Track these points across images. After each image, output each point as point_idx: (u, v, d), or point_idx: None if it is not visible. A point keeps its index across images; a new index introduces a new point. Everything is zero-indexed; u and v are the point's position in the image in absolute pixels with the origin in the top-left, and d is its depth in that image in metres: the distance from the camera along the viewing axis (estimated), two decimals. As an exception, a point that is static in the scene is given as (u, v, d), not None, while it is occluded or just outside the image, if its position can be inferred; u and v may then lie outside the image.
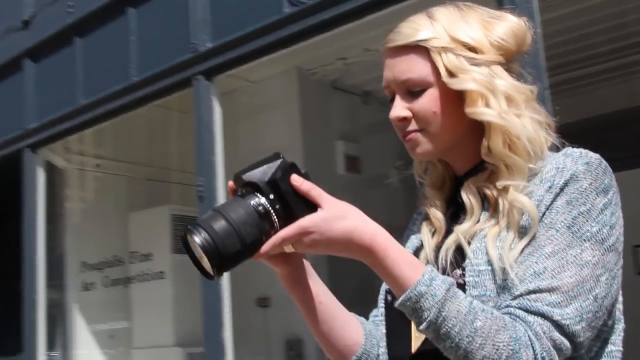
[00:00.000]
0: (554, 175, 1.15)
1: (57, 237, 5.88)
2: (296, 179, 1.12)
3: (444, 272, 1.19)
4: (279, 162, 1.13)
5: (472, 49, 1.20)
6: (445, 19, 1.23)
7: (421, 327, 1.08)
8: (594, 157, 1.18)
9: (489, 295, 1.12)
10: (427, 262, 1.24)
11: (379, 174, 5.94)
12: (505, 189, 1.18)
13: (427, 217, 1.32)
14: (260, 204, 1.11)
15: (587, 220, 1.12)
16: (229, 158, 5.87)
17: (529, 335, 1.05)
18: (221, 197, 4.21)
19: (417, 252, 1.30)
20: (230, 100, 6.00)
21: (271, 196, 1.11)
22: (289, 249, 1.14)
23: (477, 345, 1.04)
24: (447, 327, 1.05)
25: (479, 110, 1.19)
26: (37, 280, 5.44)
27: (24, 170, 5.71)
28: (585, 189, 1.13)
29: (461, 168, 1.28)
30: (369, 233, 1.11)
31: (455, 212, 1.27)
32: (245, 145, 6.21)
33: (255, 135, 6.30)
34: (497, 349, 1.04)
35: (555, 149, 1.24)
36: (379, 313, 1.35)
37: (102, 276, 5.27)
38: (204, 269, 1.11)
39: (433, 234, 1.29)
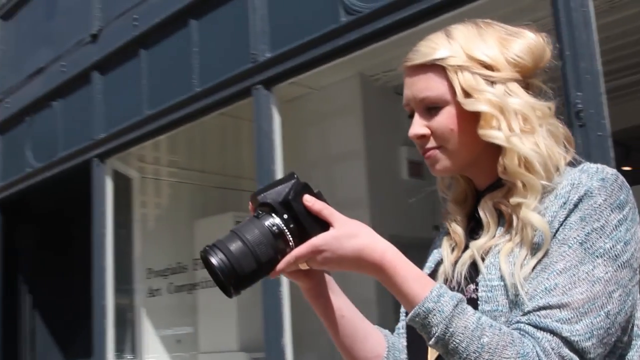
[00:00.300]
0: (569, 191, 1.15)
1: (125, 244, 6.04)
2: (308, 199, 1.16)
3: (458, 287, 1.21)
4: (292, 182, 1.18)
5: (488, 66, 1.21)
6: (463, 38, 1.24)
7: (430, 343, 1.09)
8: (610, 172, 1.17)
9: (501, 311, 1.13)
10: (445, 277, 1.26)
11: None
12: (518, 206, 1.18)
13: (448, 232, 1.33)
14: (274, 224, 1.15)
15: (601, 237, 1.11)
16: (296, 164, 5.96)
17: (536, 351, 1.05)
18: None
19: (438, 266, 1.32)
20: (294, 107, 6.08)
21: (285, 216, 1.16)
22: (303, 266, 1.18)
23: None
24: (454, 342, 1.07)
25: (489, 133, 1.21)
26: (105, 286, 5.59)
27: (92, 179, 5.88)
28: (599, 205, 1.13)
29: (482, 183, 1.29)
30: (378, 251, 1.14)
31: (474, 227, 1.28)
32: (312, 151, 6.29)
33: (320, 141, 6.36)
34: None
35: (576, 163, 1.24)
36: (400, 325, 1.37)
37: (167, 282, 5.39)
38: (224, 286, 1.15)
39: (453, 249, 1.30)
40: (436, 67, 1.23)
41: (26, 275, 7.30)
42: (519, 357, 1.05)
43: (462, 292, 1.20)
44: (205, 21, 4.97)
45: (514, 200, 1.19)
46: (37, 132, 6.87)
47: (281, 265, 1.15)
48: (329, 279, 1.30)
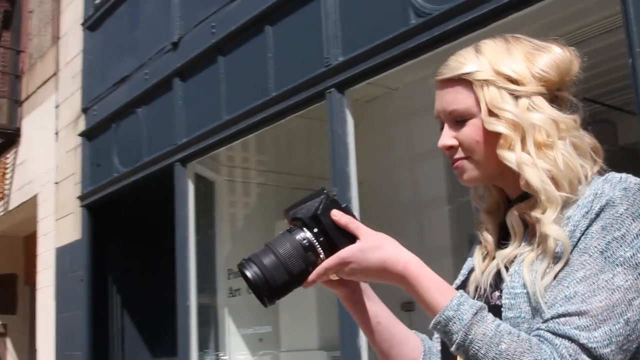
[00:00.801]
0: (592, 201, 1.16)
1: (208, 246, 6.20)
2: (336, 214, 1.23)
3: (484, 294, 1.25)
4: (321, 198, 1.25)
5: (514, 81, 1.24)
6: (491, 53, 1.28)
7: (452, 349, 1.14)
8: (633, 182, 1.18)
9: (524, 317, 1.16)
10: (476, 285, 1.29)
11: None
12: (538, 219, 1.21)
13: (480, 241, 1.36)
14: (305, 238, 1.23)
15: (621, 246, 1.12)
16: (378, 163, 6.00)
17: (554, 358, 1.07)
18: (355, 206, 4.32)
19: (470, 274, 1.35)
20: (375, 107, 6.13)
21: (315, 230, 1.23)
22: (333, 276, 1.25)
23: None
24: (474, 349, 1.11)
25: (503, 154, 1.24)
26: (189, 287, 5.77)
27: (175, 183, 6.07)
28: (620, 214, 1.14)
29: (513, 192, 1.31)
30: (401, 262, 1.20)
31: (505, 236, 1.30)
32: (394, 150, 6.31)
33: (402, 140, 6.38)
34: None
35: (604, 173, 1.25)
36: None
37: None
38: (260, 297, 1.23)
39: (485, 257, 1.33)
40: (464, 82, 1.28)
41: (115, 277, 7.56)
42: None
43: (487, 299, 1.24)
44: (280, 27, 5.07)
45: (534, 213, 1.22)
46: (122, 138, 7.13)
47: (312, 276, 1.23)
48: (365, 287, 1.36)
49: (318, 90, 4.58)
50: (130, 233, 7.28)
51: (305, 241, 1.23)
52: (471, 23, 3.66)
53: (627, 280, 1.10)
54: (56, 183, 8.55)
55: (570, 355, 1.07)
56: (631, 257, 1.11)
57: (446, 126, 1.31)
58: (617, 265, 1.11)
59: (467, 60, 1.29)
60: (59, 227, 8.37)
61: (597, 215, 1.15)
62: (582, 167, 1.22)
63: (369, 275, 1.23)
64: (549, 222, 1.18)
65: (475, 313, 1.13)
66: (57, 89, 8.82)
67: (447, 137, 1.31)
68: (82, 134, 7.86)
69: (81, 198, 7.72)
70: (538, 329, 1.13)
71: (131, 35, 7.13)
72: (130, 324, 7.60)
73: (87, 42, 8.01)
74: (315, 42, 4.65)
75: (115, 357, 7.47)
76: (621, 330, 1.08)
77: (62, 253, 8.21)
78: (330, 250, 1.23)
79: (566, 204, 1.20)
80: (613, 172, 1.22)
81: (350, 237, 1.23)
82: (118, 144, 7.18)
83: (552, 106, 1.25)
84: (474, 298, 1.26)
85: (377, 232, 1.24)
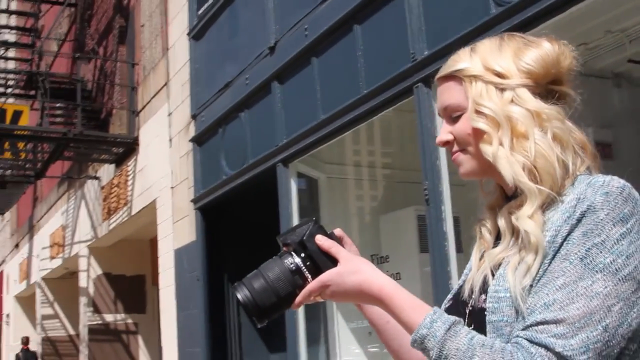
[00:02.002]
0: (574, 206, 1.17)
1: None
2: (320, 239, 1.31)
3: (476, 297, 1.28)
4: (309, 225, 1.34)
5: (500, 75, 1.28)
6: (484, 51, 1.32)
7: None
8: (615, 185, 1.17)
9: (507, 321, 1.18)
10: (472, 285, 1.31)
11: (634, 160, 5.66)
12: (517, 213, 1.22)
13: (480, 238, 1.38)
14: (292, 262, 1.31)
15: (601, 252, 1.12)
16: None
17: None
18: (446, 200, 4.34)
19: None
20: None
21: (302, 255, 1.32)
22: (318, 299, 1.33)
23: None
24: None
25: (482, 147, 1.28)
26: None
27: (278, 183, 6.25)
28: (601, 219, 1.14)
29: (508, 190, 1.32)
30: (376, 285, 1.27)
31: (499, 235, 1.31)
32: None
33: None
34: None
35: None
36: None
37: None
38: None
39: (482, 256, 1.34)
40: (456, 78, 1.33)
41: (230, 275, 7.83)
42: None
43: (476, 301, 1.27)
44: (367, 25, 5.14)
45: (508, 206, 1.25)
46: (228, 142, 7.40)
47: (299, 299, 1.31)
48: None
49: (406, 85, 4.63)
50: (241, 232, 7.53)
51: (292, 265, 1.31)
52: (550, 9, 3.63)
53: (606, 287, 1.11)
54: (172, 188, 8.95)
55: None
56: (611, 263, 1.12)
57: (444, 122, 1.37)
58: (596, 272, 1.11)
59: (461, 58, 1.34)
60: (176, 229, 8.76)
61: (579, 220, 1.15)
62: (562, 159, 1.23)
63: (348, 297, 1.30)
64: (523, 216, 1.21)
65: (448, 329, 1.17)
66: (168, 97, 9.22)
67: (444, 133, 1.36)
68: (192, 140, 8.20)
69: (194, 201, 8.07)
70: (517, 336, 1.14)
71: (232, 42, 7.38)
72: (246, 320, 7.85)
73: (193, 51, 8.34)
74: (400, 37, 4.70)
75: (233, 353, 7.75)
76: (599, 337, 1.09)
77: (180, 254, 8.60)
78: (316, 274, 1.31)
79: (550, 204, 1.21)
80: (598, 176, 1.22)
81: (335, 262, 1.31)
82: (225, 147, 7.46)
83: (537, 98, 1.27)
84: (468, 299, 1.30)
85: (356, 256, 1.31)
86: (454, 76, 1.33)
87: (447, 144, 1.36)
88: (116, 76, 11.97)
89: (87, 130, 10.92)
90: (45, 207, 16.83)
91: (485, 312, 1.22)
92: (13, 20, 17.76)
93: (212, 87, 7.71)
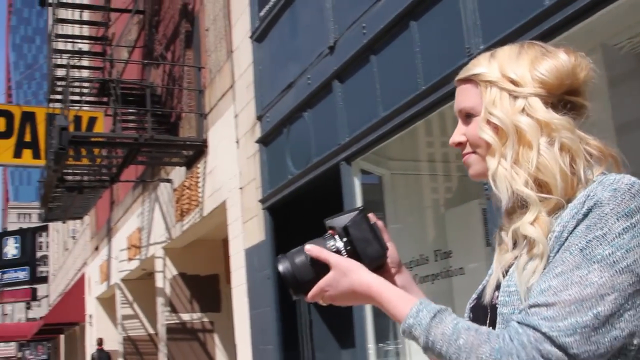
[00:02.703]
0: (583, 202, 1.19)
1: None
2: (310, 248, 1.37)
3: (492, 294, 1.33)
4: (355, 213, 1.39)
5: (514, 82, 1.31)
6: (503, 57, 1.35)
7: (422, 350, 1.23)
8: (625, 182, 1.19)
9: (517, 313, 1.21)
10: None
11: None
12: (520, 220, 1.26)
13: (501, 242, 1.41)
14: (334, 245, 1.38)
15: (601, 244, 1.14)
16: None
17: (513, 345, 1.13)
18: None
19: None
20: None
21: (344, 239, 1.37)
22: (321, 302, 1.39)
23: (464, 359, 1.17)
24: (437, 347, 1.21)
25: (487, 160, 1.33)
26: (361, 280, 5.96)
27: (342, 181, 6.32)
28: (606, 214, 1.16)
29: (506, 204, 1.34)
30: (364, 284, 1.32)
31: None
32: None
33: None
34: None
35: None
36: (466, 315, 1.47)
37: (412, 274, 5.62)
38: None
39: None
40: (473, 82, 1.37)
41: (300, 273, 7.92)
42: (493, 352, 1.15)
43: (492, 299, 1.32)
44: (423, 21, 5.15)
45: (516, 215, 1.28)
46: (293, 141, 7.50)
47: (307, 299, 1.38)
48: (405, 277, 1.47)
49: (463, 80, 4.61)
50: (308, 230, 7.59)
51: (333, 247, 1.38)
52: (603, -1, 3.58)
53: (601, 277, 1.13)
54: (240, 188, 9.11)
55: (530, 343, 1.12)
56: (609, 255, 1.14)
57: (459, 123, 1.41)
58: (593, 262, 1.14)
59: (480, 63, 1.38)
60: (246, 229, 8.92)
61: (585, 216, 1.18)
62: (567, 167, 1.26)
63: (344, 299, 1.36)
64: (524, 222, 1.25)
65: (433, 316, 1.23)
66: (234, 99, 9.39)
67: (457, 134, 1.40)
68: (258, 141, 8.34)
69: (262, 201, 8.20)
70: (512, 319, 1.19)
71: (293, 43, 7.47)
72: (317, 317, 7.96)
73: (256, 53, 8.47)
74: (456, 33, 4.69)
75: (304, 349, 7.86)
76: (588, 322, 1.11)
77: (251, 253, 8.75)
78: (355, 258, 1.37)
79: (558, 207, 1.24)
80: (610, 175, 1.24)
81: (373, 249, 1.37)
82: (290, 147, 7.56)
83: (548, 107, 1.29)
84: (490, 300, 1.34)
85: (345, 259, 1.36)
86: (472, 79, 1.37)
87: (459, 145, 1.40)
88: (184, 80, 12.24)
89: (158, 135, 11.20)
90: (121, 210, 17.32)
91: (497, 306, 1.28)
92: (86, 31, 18.31)
93: (276, 88, 7.82)
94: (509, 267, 1.31)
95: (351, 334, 6.43)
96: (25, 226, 71.64)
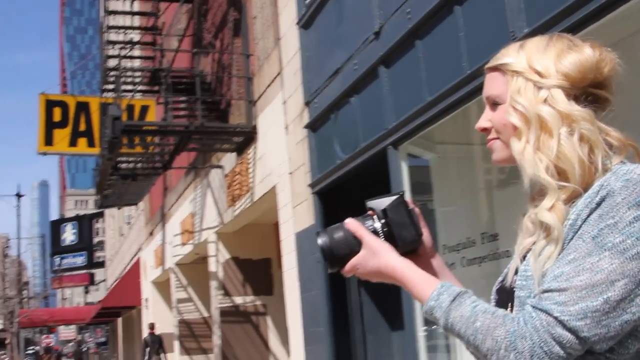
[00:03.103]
0: (597, 192, 1.26)
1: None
2: (350, 222, 1.48)
3: (512, 278, 1.40)
4: (394, 197, 1.49)
5: (540, 74, 1.37)
6: (531, 48, 1.42)
7: (442, 330, 1.33)
8: (637, 173, 1.25)
9: (531, 298, 1.29)
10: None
11: None
12: (537, 206, 1.33)
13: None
14: (372, 225, 1.47)
15: (612, 232, 1.21)
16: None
17: (527, 328, 1.20)
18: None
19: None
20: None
21: (382, 221, 1.47)
22: (357, 276, 1.49)
23: (480, 340, 1.25)
24: (456, 329, 1.29)
25: (511, 142, 1.40)
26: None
27: (389, 165, 6.39)
28: (617, 203, 1.22)
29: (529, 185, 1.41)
30: (390, 266, 1.42)
31: None
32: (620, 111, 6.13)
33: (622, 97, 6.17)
34: (496, 342, 1.23)
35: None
36: (492, 298, 1.54)
37: (459, 257, 5.69)
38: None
39: None
40: (501, 71, 1.44)
41: (349, 256, 8.01)
42: (508, 335, 1.22)
43: (512, 283, 1.39)
44: (467, 5, 5.17)
45: (535, 202, 1.36)
46: (340, 127, 7.58)
47: (344, 274, 1.49)
48: (440, 267, 1.55)
49: (508, 64, 4.62)
50: (356, 215, 7.67)
51: (371, 227, 1.47)
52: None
53: (612, 264, 1.19)
54: (290, 173, 9.24)
55: (542, 327, 1.20)
56: (620, 242, 1.20)
57: (486, 109, 1.48)
58: (605, 249, 1.21)
59: (509, 53, 1.45)
60: (296, 213, 9.05)
61: (598, 205, 1.25)
62: (586, 157, 1.31)
63: (372, 277, 1.47)
64: (542, 208, 1.32)
65: (453, 299, 1.32)
66: (282, 86, 9.50)
67: (483, 120, 1.48)
68: (307, 126, 8.44)
69: (311, 186, 8.32)
70: (527, 303, 1.27)
71: (339, 29, 7.54)
72: (368, 299, 8.05)
73: (303, 40, 8.56)
74: (500, 16, 4.71)
75: (355, 332, 7.97)
76: (599, 307, 1.18)
77: (301, 237, 8.89)
78: (389, 240, 1.46)
79: (575, 195, 1.30)
80: (626, 164, 1.31)
81: (408, 232, 1.47)
82: (338, 132, 7.65)
83: (570, 99, 1.36)
84: (511, 284, 1.41)
85: (376, 240, 1.45)
86: (500, 69, 1.44)
87: (485, 130, 1.48)
88: (233, 67, 12.39)
89: (208, 122, 11.39)
90: (174, 196, 17.64)
91: (514, 289, 1.35)
92: (136, 21, 18.62)
93: (323, 74, 7.90)
94: (527, 252, 1.37)
95: (401, 316, 6.51)
96: (82, 213, 73.30)
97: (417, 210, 1.51)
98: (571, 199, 1.31)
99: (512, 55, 1.43)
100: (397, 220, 1.47)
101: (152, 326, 20.34)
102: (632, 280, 1.20)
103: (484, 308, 1.30)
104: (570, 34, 1.46)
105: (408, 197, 1.51)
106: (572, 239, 1.26)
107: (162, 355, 19.33)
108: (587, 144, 1.34)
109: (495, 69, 1.46)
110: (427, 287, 1.38)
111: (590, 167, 1.32)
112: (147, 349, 19.69)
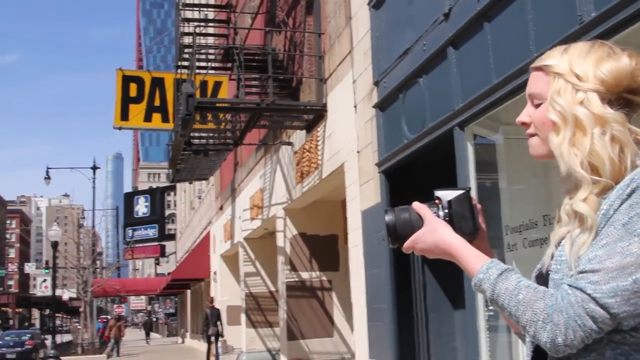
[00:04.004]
0: (628, 184, 1.38)
1: (491, 205, 6.49)
2: (416, 204, 1.63)
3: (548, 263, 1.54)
4: (460, 191, 1.63)
5: (579, 77, 1.49)
6: (574, 53, 1.53)
7: (488, 302, 1.46)
8: None
9: (568, 278, 1.41)
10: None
11: None
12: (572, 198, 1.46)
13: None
14: (436, 213, 1.62)
15: None
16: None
17: (563, 303, 1.34)
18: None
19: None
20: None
21: (446, 210, 1.62)
22: (415, 252, 1.64)
23: (521, 312, 1.39)
24: (500, 300, 1.43)
25: (550, 136, 1.51)
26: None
27: (455, 146, 6.46)
28: None
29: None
30: (447, 242, 1.57)
31: None
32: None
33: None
34: (535, 314, 1.37)
35: None
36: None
37: (521, 238, 5.73)
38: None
39: None
40: (545, 71, 1.56)
41: (414, 235, 8.11)
42: (546, 308, 1.36)
43: (548, 268, 1.52)
44: (537, -12, 5.18)
45: (572, 194, 1.47)
46: (408, 107, 7.67)
47: (407, 244, 1.63)
48: (489, 255, 1.64)
49: (574, 48, 4.64)
50: (422, 195, 7.76)
51: (435, 214, 1.62)
52: None
53: None
54: (358, 152, 9.38)
55: (577, 302, 1.33)
56: None
57: (527, 104, 1.60)
58: (634, 235, 1.34)
59: (553, 55, 1.56)
60: (363, 191, 9.20)
61: (629, 196, 1.37)
62: (617, 156, 1.43)
63: (431, 252, 1.61)
64: (577, 199, 1.44)
65: (500, 274, 1.45)
66: (352, 65, 9.62)
67: (524, 115, 1.61)
68: (375, 106, 8.56)
69: (379, 164, 8.44)
70: (562, 283, 1.40)
71: (409, 10, 7.61)
72: (430, 277, 8.16)
73: (374, 20, 8.66)
74: (568, 0, 4.72)
75: (418, 309, 8.09)
76: (628, 286, 1.32)
77: (367, 215, 9.04)
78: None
79: (607, 189, 1.43)
80: None
81: (468, 227, 1.61)
82: (405, 112, 7.74)
83: (604, 103, 1.47)
84: (547, 268, 1.54)
85: (436, 219, 1.60)
86: (544, 69, 1.56)
87: (524, 124, 1.61)
88: (305, 46, 12.55)
89: (279, 100, 11.60)
90: (245, 172, 17.99)
91: (549, 272, 1.49)
92: (211, -2, 18.93)
93: (392, 54, 7.99)
94: (562, 239, 1.50)
95: (462, 295, 6.60)
96: (154, 185, 74.93)
97: (479, 207, 1.66)
98: (603, 192, 1.43)
99: (555, 58, 1.55)
100: (460, 212, 1.61)
101: (211, 300, 20.89)
102: None
103: (527, 283, 1.43)
104: (612, 42, 1.57)
105: (473, 194, 1.65)
106: (604, 226, 1.39)
107: (219, 326, 19.82)
108: (618, 144, 1.46)
109: (539, 69, 1.58)
110: (478, 262, 1.52)
111: (620, 165, 1.44)
112: (207, 321, 20.20)
